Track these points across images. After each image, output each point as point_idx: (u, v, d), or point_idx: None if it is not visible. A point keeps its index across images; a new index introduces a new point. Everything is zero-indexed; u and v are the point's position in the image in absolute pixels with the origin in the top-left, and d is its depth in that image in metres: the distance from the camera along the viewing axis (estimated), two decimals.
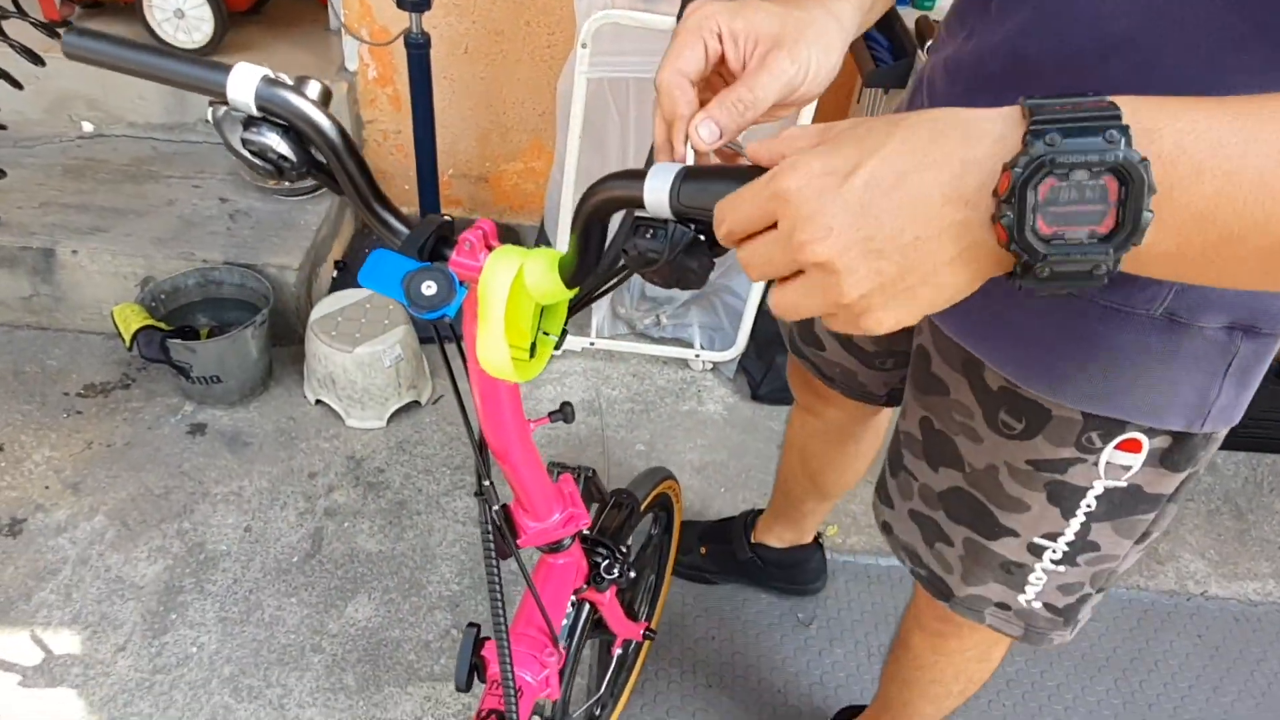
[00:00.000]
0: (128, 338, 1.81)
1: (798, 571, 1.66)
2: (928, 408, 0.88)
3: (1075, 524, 0.81)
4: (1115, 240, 0.36)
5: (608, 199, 0.53)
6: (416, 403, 2.01)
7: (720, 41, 0.56)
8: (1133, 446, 0.74)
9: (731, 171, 0.47)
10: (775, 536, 1.63)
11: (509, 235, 2.48)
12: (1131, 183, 0.36)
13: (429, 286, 0.60)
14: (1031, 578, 0.87)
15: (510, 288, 0.59)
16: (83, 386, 1.97)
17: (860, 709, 1.44)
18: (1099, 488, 0.78)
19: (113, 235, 2.00)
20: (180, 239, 2.01)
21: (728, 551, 1.66)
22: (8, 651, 1.50)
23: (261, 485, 1.82)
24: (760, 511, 1.66)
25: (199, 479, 1.81)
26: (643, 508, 1.16)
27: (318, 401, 1.98)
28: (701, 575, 1.69)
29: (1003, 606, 0.91)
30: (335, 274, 2.22)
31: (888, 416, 1.33)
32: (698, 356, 2.16)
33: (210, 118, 0.62)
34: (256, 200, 2.14)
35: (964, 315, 0.77)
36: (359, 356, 1.85)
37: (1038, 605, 0.89)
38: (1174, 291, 0.65)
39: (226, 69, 0.59)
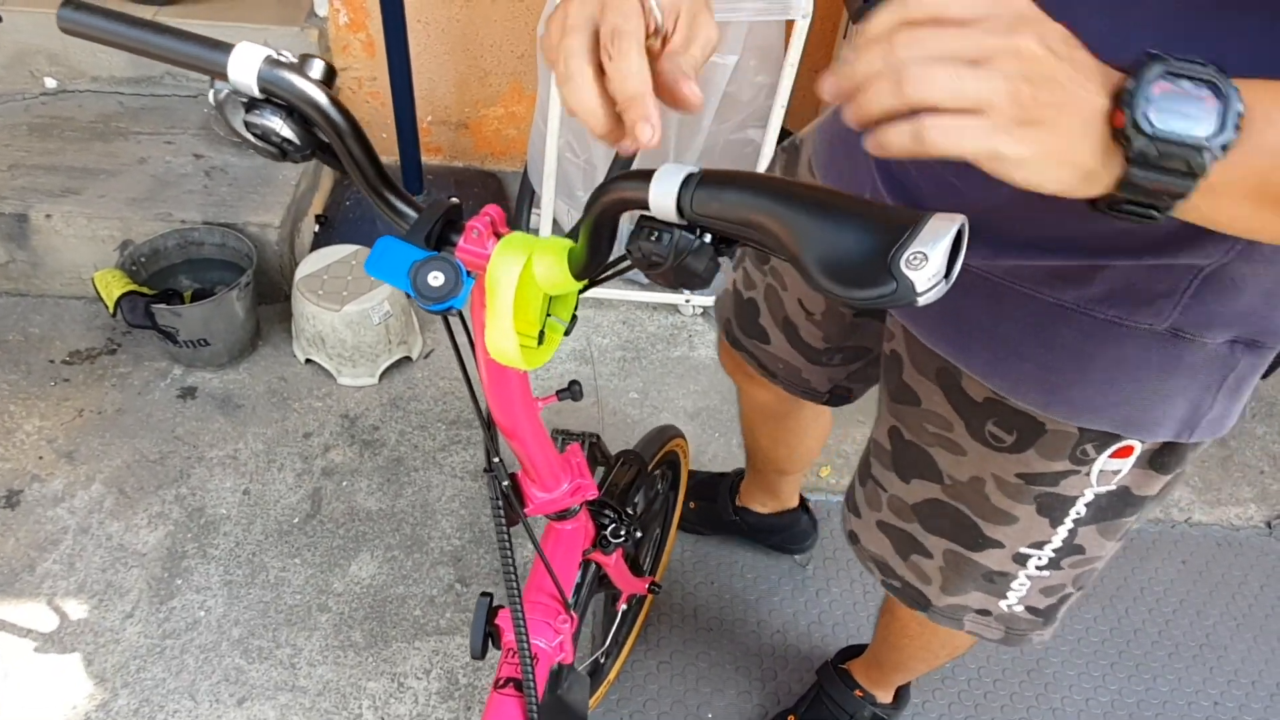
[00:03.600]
0: (111, 304, 1.78)
1: (785, 535, 1.66)
2: (897, 416, 0.86)
3: (1063, 531, 0.80)
4: (1216, 136, 0.41)
5: (615, 200, 0.52)
6: (408, 358, 2.00)
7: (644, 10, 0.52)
8: (1125, 453, 0.73)
9: (744, 177, 0.46)
10: (758, 503, 1.62)
11: (492, 182, 2.44)
12: (1227, 97, 0.41)
13: (436, 277, 0.60)
14: (1014, 584, 0.86)
15: (519, 278, 0.58)
16: (68, 353, 1.94)
17: (860, 648, 1.48)
18: (1089, 495, 0.77)
19: (86, 197, 1.94)
20: (156, 199, 1.96)
21: (714, 510, 1.67)
22: (18, 621, 1.52)
23: (257, 447, 1.82)
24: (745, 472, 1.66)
25: (193, 443, 1.81)
26: (651, 467, 1.17)
27: (308, 360, 1.96)
28: (693, 528, 1.72)
29: (983, 613, 0.91)
30: (317, 229, 2.18)
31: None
32: (688, 302, 2.15)
33: (211, 99, 0.60)
34: (232, 156, 2.08)
35: (941, 321, 0.75)
36: (347, 315, 1.83)
37: (1019, 609, 0.89)
38: (1182, 308, 0.64)
39: (228, 48, 0.57)
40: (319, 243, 2.14)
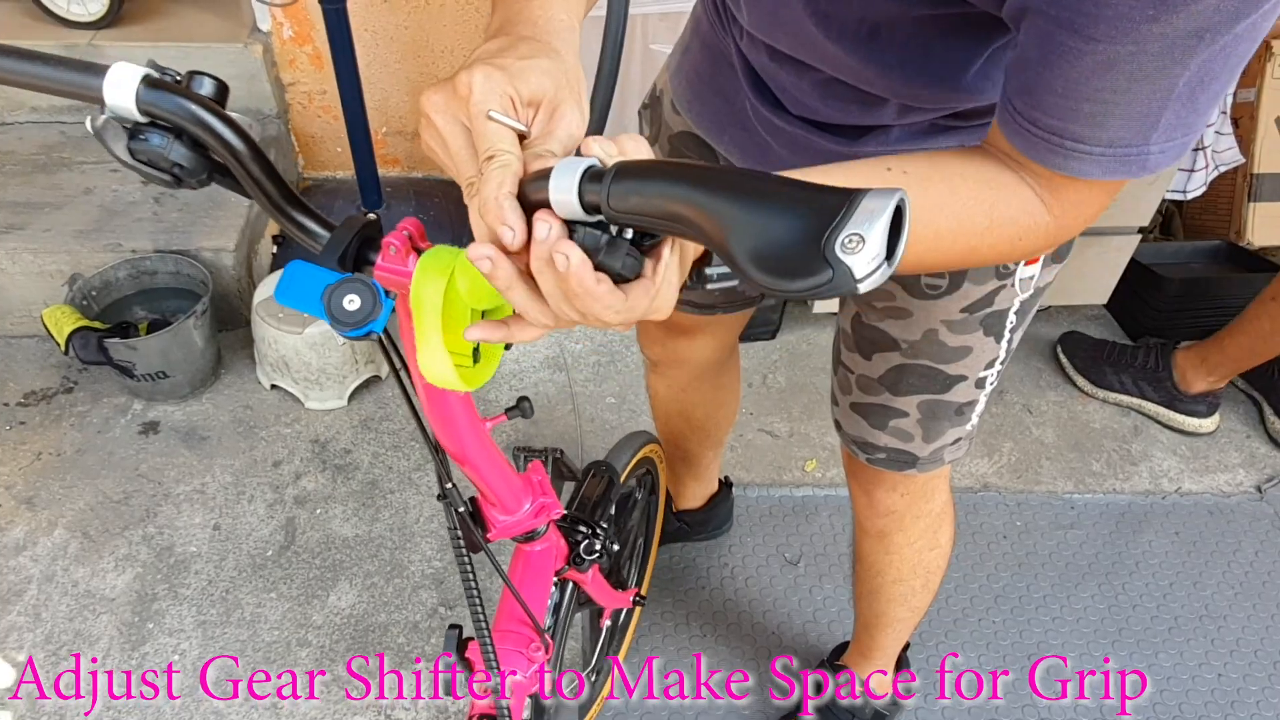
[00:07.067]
0: (62, 342, 1.72)
1: (715, 522, 1.68)
2: (859, 303, 0.94)
3: (1005, 344, 0.90)
4: None
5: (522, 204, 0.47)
6: (377, 377, 1.94)
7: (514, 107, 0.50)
8: (1035, 258, 0.82)
9: (662, 166, 0.42)
10: (693, 498, 1.64)
11: (454, 191, 2.39)
12: None
13: (351, 301, 0.55)
14: (977, 407, 0.97)
15: (444, 295, 0.54)
16: (23, 395, 1.88)
17: None
18: (1016, 304, 0.87)
19: (31, 232, 1.88)
20: (104, 229, 1.90)
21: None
22: None
23: (225, 480, 1.76)
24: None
25: (158, 480, 1.75)
26: (624, 476, 1.13)
27: (273, 386, 1.90)
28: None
29: (956, 443, 1.00)
30: (274, 250, 2.12)
31: (737, 346, 1.38)
32: None
33: (89, 127, 0.55)
34: None
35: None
36: (310, 337, 1.77)
37: (975, 423, 0.99)
38: None
39: (101, 70, 0.52)
40: (277, 263, 2.08)
